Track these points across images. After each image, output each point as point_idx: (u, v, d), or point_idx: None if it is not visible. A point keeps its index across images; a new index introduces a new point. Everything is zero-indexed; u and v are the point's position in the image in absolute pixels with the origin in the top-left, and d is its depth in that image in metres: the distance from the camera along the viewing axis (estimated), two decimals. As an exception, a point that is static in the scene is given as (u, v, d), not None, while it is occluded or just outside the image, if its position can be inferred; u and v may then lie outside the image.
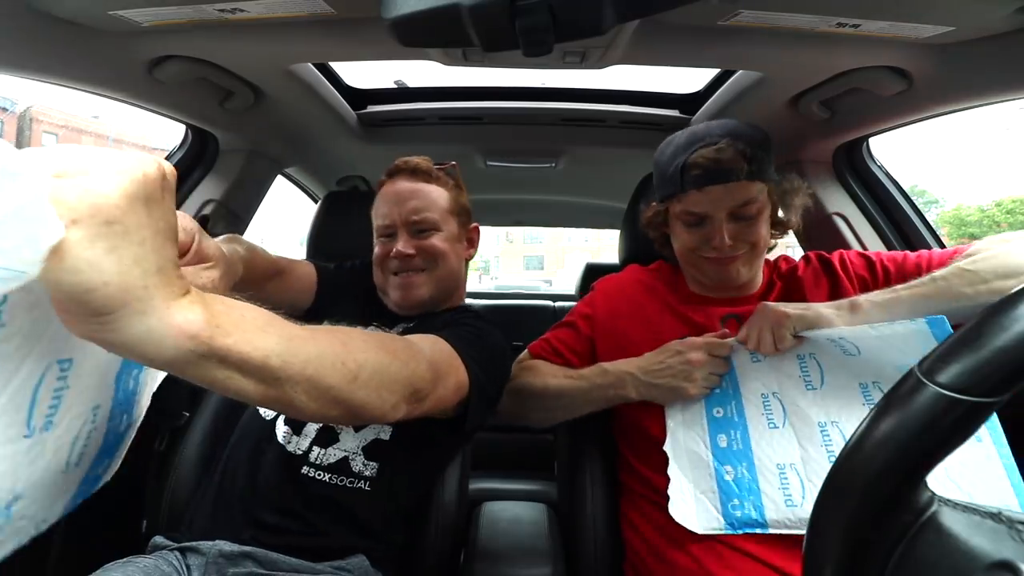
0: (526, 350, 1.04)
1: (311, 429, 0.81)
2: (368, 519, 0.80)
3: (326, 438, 0.80)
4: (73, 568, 0.64)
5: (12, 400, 0.36)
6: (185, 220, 0.56)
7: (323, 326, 0.47)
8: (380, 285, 0.96)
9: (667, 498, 0.81)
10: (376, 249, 0.95)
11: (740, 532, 0.75)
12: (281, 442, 0.81)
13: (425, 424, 0.69)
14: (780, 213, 0.90)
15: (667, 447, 0.82)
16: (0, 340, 0.35)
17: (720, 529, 0.76)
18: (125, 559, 0.71)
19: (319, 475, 0.79)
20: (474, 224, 1.04)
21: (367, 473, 0.79)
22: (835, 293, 0.88)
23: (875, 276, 0.88)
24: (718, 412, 0.81)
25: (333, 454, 0.79)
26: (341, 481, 0.79)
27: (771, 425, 0.78)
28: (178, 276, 0.33)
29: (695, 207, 0.87)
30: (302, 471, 0.79)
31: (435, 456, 0.90)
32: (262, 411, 0.87)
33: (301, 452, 0.80)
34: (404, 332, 0.84)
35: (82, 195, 0.29)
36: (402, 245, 0.90)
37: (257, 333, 0.38)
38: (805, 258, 0.96)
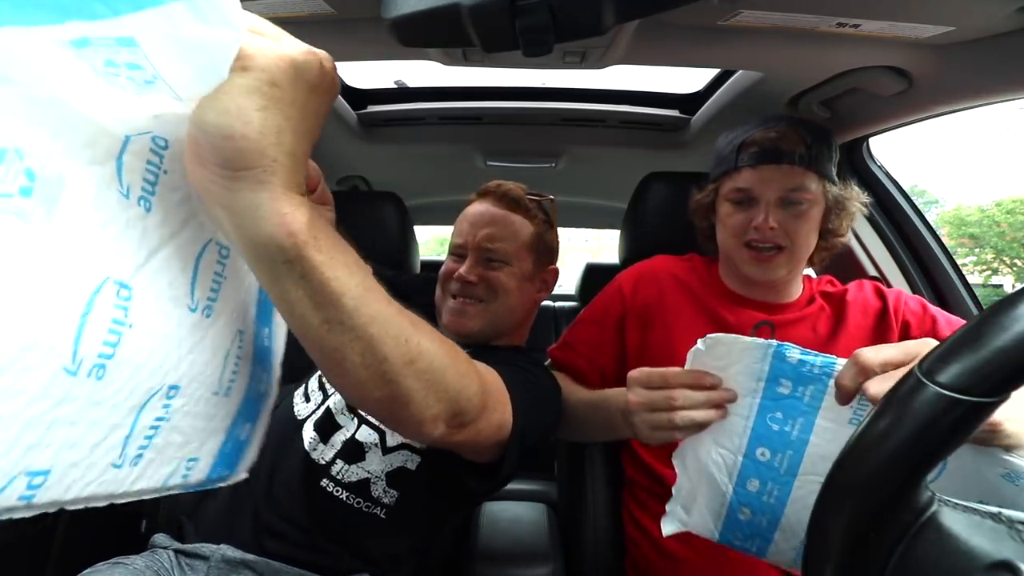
0: (549, 359, 0.99)
1: (338, 440, 0.78)
2: (375, 548, 0.77)
3: (352, 453, 0.76)
4: (73, 567, 0.64)
5: (178, 253, 0.36)
6: (313, 166, 0.52)
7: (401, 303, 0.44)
8: (438, 304, 0.93)
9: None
10: (444, 266, 0.93)
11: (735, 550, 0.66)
12: (307, 448, 0.78)
13: (455, 461, 0.66)
14: (831, 221, 0.87)
15: (676, 455, 0.67)
16: (166, 187, 0.34)
17: (710, 537, 0.67)
18: (115, 559, 0.69)
19: (337, 492, 0.76)
20: (554, 267, 0.99)
21: (386, 500, 0.76)
22: (880, 331, 0.86)
23: (924, 331, 0.85)
24: (763, 455, 0.62)
25: (356, 472, 0.76)
26: (358, 503, 0.76)
27: None
28: (302, 174, 0.35)
29: (745, 184, 0.85)
30: (321, 483, 0.76)
31: (457, 500, 0.82)
32: (296, 407, 0.85)
33: (324, 462, 0.77)
34: None
35: (264, 51, 0.31)
36: (466, 270, 0.87)
37: (343, 268, 0.37)
38: (859, 284, 0.93)
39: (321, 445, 0.78)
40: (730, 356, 0.60)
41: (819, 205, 0.85)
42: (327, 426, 0.79)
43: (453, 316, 0.88)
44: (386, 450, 0.76)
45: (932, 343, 0.44)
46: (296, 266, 0.35)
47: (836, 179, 0.86)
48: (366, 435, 0.77)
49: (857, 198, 0.88)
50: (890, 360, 0.48)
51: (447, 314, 0.89)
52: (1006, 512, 0.30)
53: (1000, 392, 0.29)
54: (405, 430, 0.50)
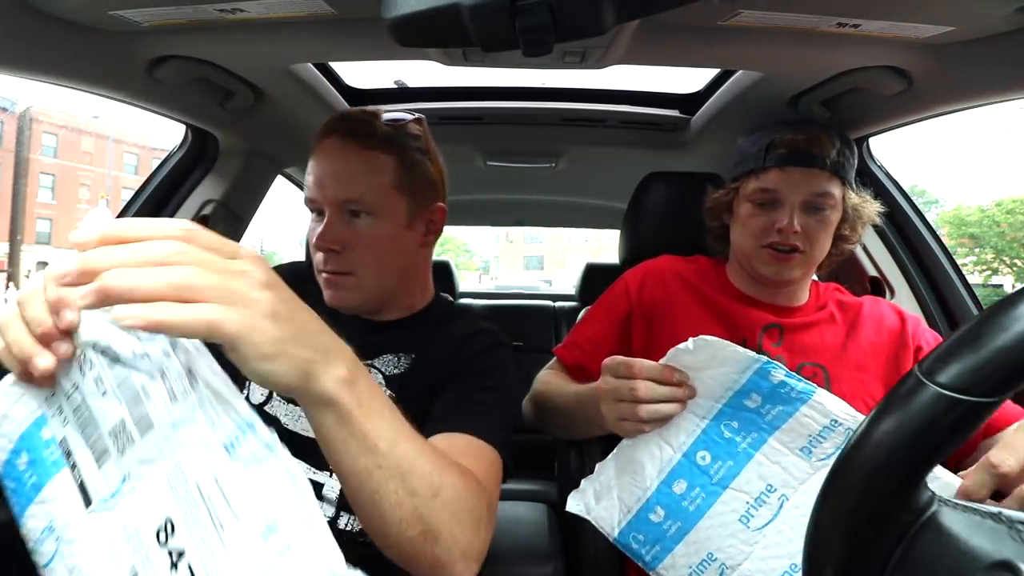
0: (555, 358, 0.98)
1: (332, 494, 0.72)
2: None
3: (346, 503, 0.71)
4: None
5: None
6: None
7: (424, 438, 0.51)
8: (317, 274, 0.78)
9: None
10: (308, 229, 0.79)
11: (623, 550, 0.66)
12: None
13: None
14: (845, 228, 0.87)
15: (620, 445, 0.67)
16: None
17: (607, 535, 0.66)
18: None
19: (355, 540, 0.71)
20: (440, 204, 0.82)
21: None
22: (896, 352, 0.85)
23: None
24: (703, 458, 0.62)
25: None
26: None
27: (743, 519, 0.61)
28: (326, 343, 0.43)
29: (771, 184, 0.84)
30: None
31: None
32: None
33: (327, 519, 0.72)
34: (392, 363, 0.77)
35: (241, 325, 0.37)
36: (324, 233, 0.73)
37: (377, 416, 0.44)
38: (875, 300, 0.92)
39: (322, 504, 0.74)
40: (712, 361, 0.60)
41: (838, 211, 0.85)
42: (312, 484, 0.73)
43: (330, 293, 0.76)
44: None
45: None
46: (345, 423, 0.43)
47: (856, 187, 0.87)
48: None
49: (872, 208, 0.88)
50: None
51: (324, 288, 0.77)
52: (1006, 512, 0.30)
53: (1000, 392, 0.29)
54: (434, 574, 0.51)
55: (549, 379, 0.94)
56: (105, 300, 0.34)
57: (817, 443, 0.58)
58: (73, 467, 0.40)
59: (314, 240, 0.74)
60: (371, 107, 0.81)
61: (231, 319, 0.36)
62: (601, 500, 0.66)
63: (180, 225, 0.37)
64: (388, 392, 0.75)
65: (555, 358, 0.98)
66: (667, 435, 0.63)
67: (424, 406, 0.71)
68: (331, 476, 0.73)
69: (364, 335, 0.79)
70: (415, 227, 0.79)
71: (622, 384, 0.63)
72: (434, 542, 0.49)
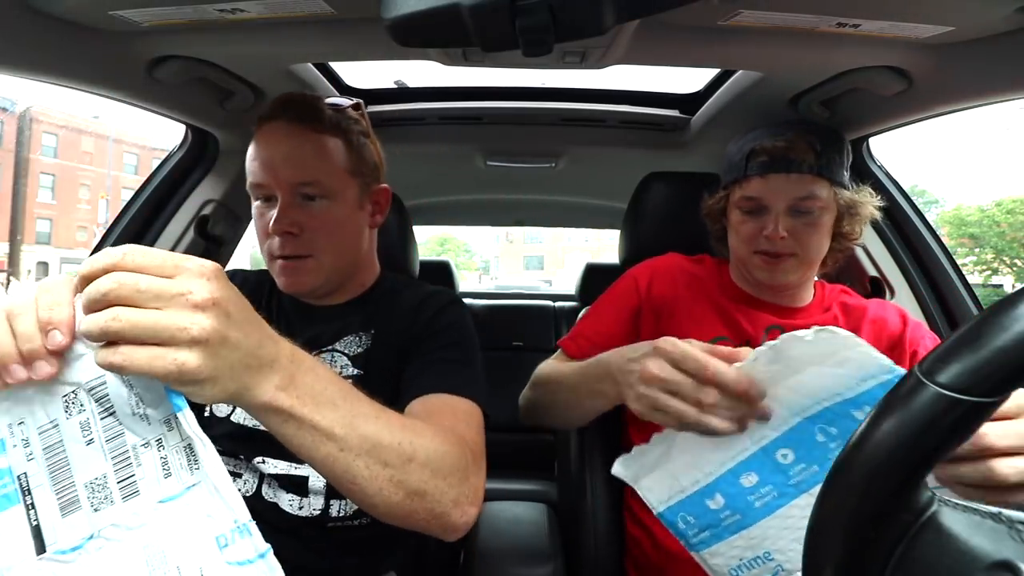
0: (559, 350, 0.97)
1: (318, 485, 0.73)
2: (398, 536, 0.76)
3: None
4: None
5: None
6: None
7: (390, 410, 0.53)
8: (267, 265, 0.79)
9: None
10: (254, 219, 0.78)
11: (666, 526, 0.61)
12: (286, 509, 0.73)
13: None
14: (844, 225, 0.86)
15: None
16: None
17: (652, 508, 0.61)
18: None
19: (350, 523, 0.74)
20: (384, 186, 0.85)
21: None
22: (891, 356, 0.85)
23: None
24: (784, 456, 0.55)
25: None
26: (370, 518, 0.75)
27: None
28: (264, 357, 0.42)
29: (754, 193, 0.85)
30: (329, 527, 0.74)
31: None
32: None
33: (318, 512, 0.73)
34: (352, 352, 0.78)
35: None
36: (280, 218, 0.73)
37: (326, 406, 0.45)
38: (882, 303, 0.92)
39: (305, 499, 0.74)
40: (829, 357, 0.51)
41: (831, 211, 0.85)
42: (296, 481, 0.74)
43: (287, 278, 0.77)
44: None
45: None
46: (292, 421, 0.44)
47: (848, 184, 0.86)
48: None
49: (871, 201, 0.87)
50: None
51: (279, 276, 0.77)
52: (1006, 512, 0.30)
53: (1000, 392, 0.29)
54: (435, 524, 0.54)
55: (551, 364, 0.93)
56: (54, 352, 0.37)
57: None
58: (30, 507, 0.38)
59: (271, 225, 0.73)
60: (310, 94, 0.81)
61: (158, 363, 0.36)
62: (653, 472, 0.60)
63: (114, 254, 0.37)
64: (355, 371, 0.77)
65: (559, 351, 0.97)
66: (751, 425, 0.55)
67: (394, 377, 0.74)
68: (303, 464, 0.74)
69: (321, 322, 0.81)
70: (364, 208, 0.82)
71: (685, 383, 0.55)
72: (421, 500, 0.52)
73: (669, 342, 0.58)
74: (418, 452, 0.51)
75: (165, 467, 0.38)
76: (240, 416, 0.76)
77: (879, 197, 0.89)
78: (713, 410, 0.53)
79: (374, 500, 0.50)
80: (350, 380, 0.75)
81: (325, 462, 0.46)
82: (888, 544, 0.31)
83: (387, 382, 0.74)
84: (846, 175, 0.86)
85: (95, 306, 0.36)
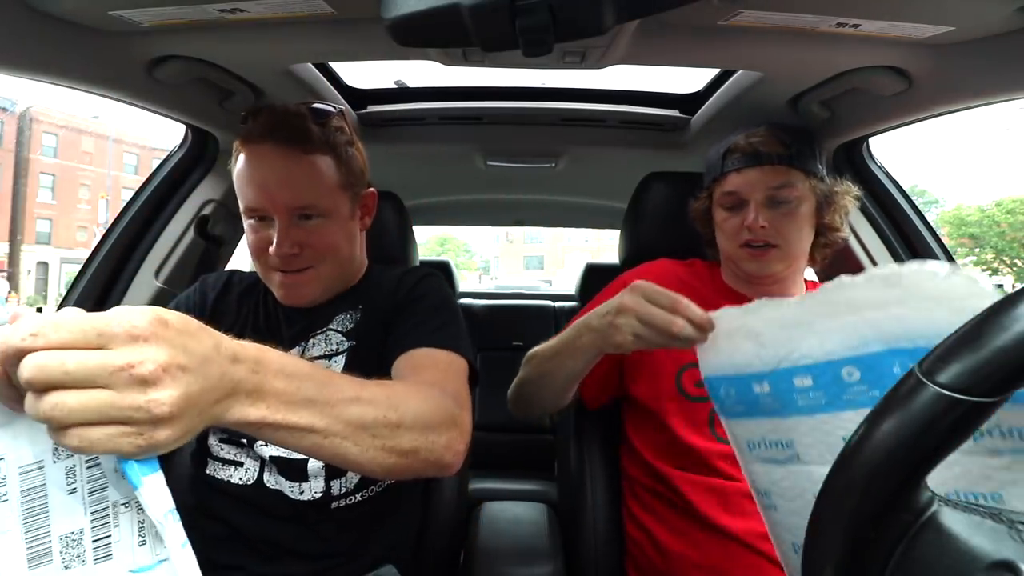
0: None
1: (316, 467, 0.75)
2: (404, 514, 0.82)
3: (337, 468, 0.73)
4: None
5: None
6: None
7: (372, 382, 0.54)
8: (262, 276, 0.83)
9: (676, 491, 0.82)
10: (247, 233, 0.80)
11: (706, 388, 0.64)
12: (288, 494, 0.75)
13: None
14: (824, 216, 0.90)
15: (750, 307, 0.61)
16: None
17: (700, 368, 0.64)
18: None
19: (352, 499, 0.77)
20: (371, 191, 0.88)
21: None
22: None
23: None
24: (849, 374, 0.53)
25: (351, 475, 0.77)
26: (372, 492, 0.79)
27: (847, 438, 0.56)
28: (226, 379, 0.40)
29: (732, 187, 0.90)
30: (332, 507, 0.76)
31: None
32: (227, 479, 0.78)
33: (320, 495, 0.76)
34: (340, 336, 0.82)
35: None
36: (281, 242, 0.75)
37: (302, 406, 0.45)
38: None
39: (305, 484, 0.76)
40: (940, 299, 0.48)
41: (808, 202, 0.89)
42: (295, 466, 0.76)
43: (287, 291, 0.80)
44: None
45: None
46: (267, 427, 0.44)
47: (824, 175, 0.90)
48: None
49: (848, 192, 0.91)
50: None
51: (279, 289, 0.81)
52: (1006, 512, 0.30)
53: (1000, 392, 0.29)
54: (431, 469, 0.57)
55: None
56: None
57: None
58: None
59: (274, 249, 0.76)
60: (291, 105, 0.81)
61: (123, 441, 0.32)
62: (716, 342, 0.63)
63: (21, 335, 0.32)
64: (349, 343, 0.82)
65: None
66: (820, 333, 0.55)
67: (382, 344, 0.78)
68: None
69: (315, 314, 0.85)
70: (355, 216, 0.86)
71: (658, 314, 0.64)
72: (415, 456, 0.54)
73: (647, 284, 0.68)
74: (404, 417, 0.53)
75: (141, 533, 0.35)
76: None
77: (857, 187, 0.93)
78: (675, 339, 0.63)
79: (370, 467, 0.52)
80: (344, 353, 0.81)
81: (312, 451, 0.47)
82: (888, 544, 0.31)
83: (375, 350, 0.79)
84: (820, 168, 0.91)
85: (30, 388, 0.32)
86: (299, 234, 0.76)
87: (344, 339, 0.83)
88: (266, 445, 0.77)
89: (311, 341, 0.82)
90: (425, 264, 1.46)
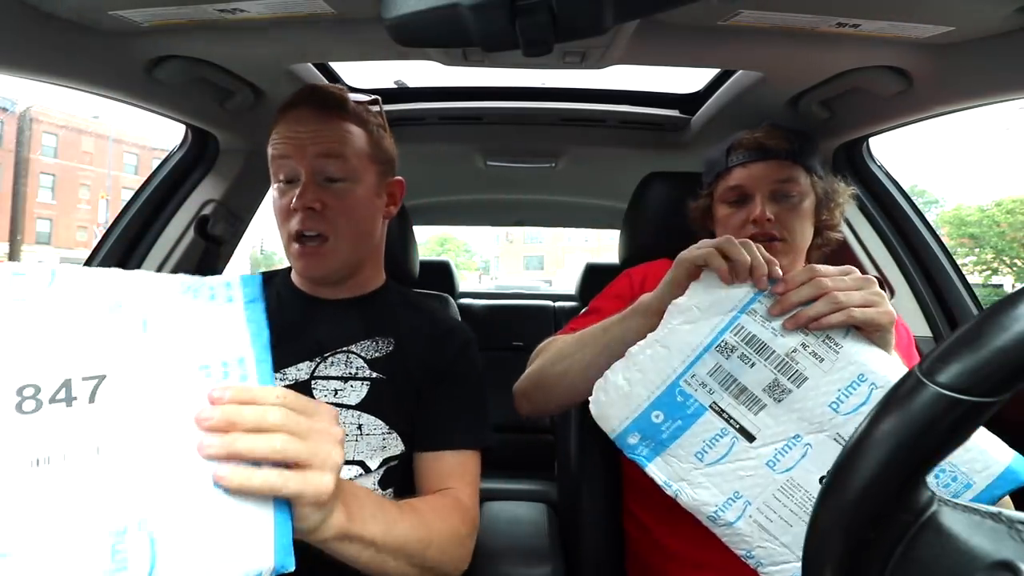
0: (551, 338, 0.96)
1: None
2: None
3: None
4: None
5: None
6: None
7: (406, 503, 0.63)
8: (285, 248, 0.80)
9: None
10: (275, 199, 0.80)
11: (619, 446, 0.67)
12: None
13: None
14: (823, 214, 0.91)
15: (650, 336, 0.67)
16: None
17: (608, 432, 0.67)
18: None
19: None
20: (399, 179, 0.87)
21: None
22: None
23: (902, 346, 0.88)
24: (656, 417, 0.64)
25: None
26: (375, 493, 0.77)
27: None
28: (330, 501, 0.47)
29: (737, 181, 0.90)
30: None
31: None
32: None
33: None
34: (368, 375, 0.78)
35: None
36: (304, 192, 0.75)
37: (370, 520, 0.53)
38: None
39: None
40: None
41: (810, 197, 0.90)
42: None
43: (304, 262, 0.78)
44: (368, 468, 0.75)
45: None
46: (344, 538, 0.51)
47: (823, 174, 0.92)
48: (346, 474, 0.73)
49: (845, 191, 0.93)
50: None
51: (297, 260, 0.79)
52: (1006, 512, 0.30)
53: (1000, 392, 0.29)
54: None
55: (549, 342, 0.92)
56: (230, 457, 0.40)
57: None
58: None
59: (295, 201, 0.75)
60: (330, 84, 0.84)
61: (314, 483, 0.42)
62: (615, 395, 0.68)
63: (280, 392, 0.43)
64: (374, 374, 0.79)
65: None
66: (677, 345, 0.66)
67: (412, 393, 0.78)
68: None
69: (329, 320, 0.82)
70: (381, 196, 0.84)
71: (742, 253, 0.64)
72: (432, 572, 0.62)
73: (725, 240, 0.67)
74: (433, 540, 0.62)
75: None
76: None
77: (853, 188, 0.94)
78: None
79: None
80: (366, 381, 0.78)
81: (365, 563, 0.54)
82: (888, 544, 0.31)
83: (409, 389, 0.78)
84: (819, 167, 0.92)
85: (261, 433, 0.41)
86: (322, 193, 0.76)
87: (367, 367, 0.79)
88: None
89: (329, 359, 0.78)
90: (427, 265, 1.46)
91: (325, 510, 0.46)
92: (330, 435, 0.45)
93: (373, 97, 0.85)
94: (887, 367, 0.60)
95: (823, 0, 0.72)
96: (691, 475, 0.65)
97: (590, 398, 0.68)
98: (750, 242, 0.65)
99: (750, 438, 0.63)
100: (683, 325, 0.66)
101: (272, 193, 0.81)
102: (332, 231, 0.77)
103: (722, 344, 0.64)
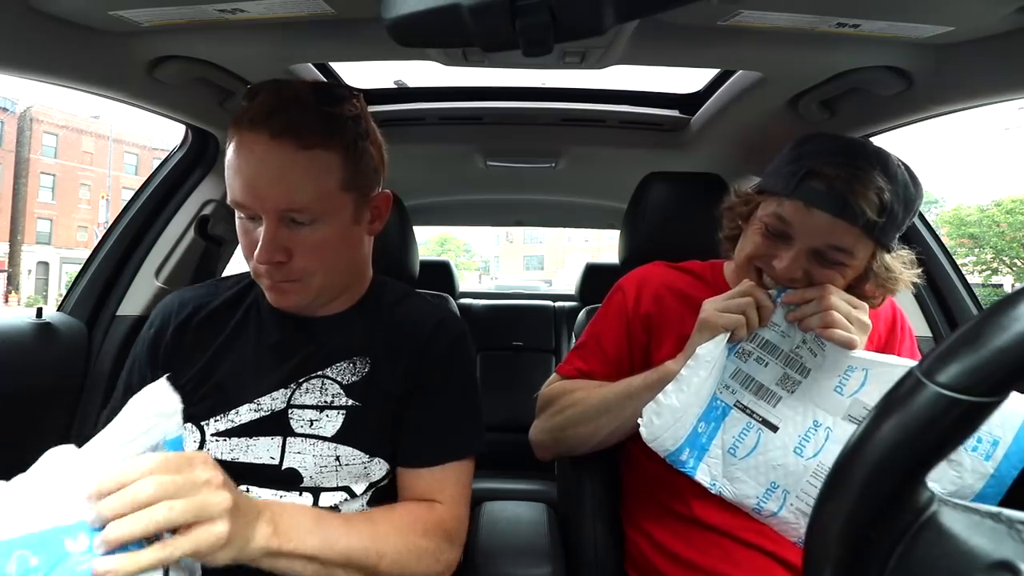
0: (555, 375, 0.95)
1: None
2: None
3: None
4: None
5: None
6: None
7: (360, 515, 0.66)
8: (253, 276, 0.72)
9: (674, 491, 0.81)
10: (238, 229, 0.69)
11: (671, 462, 0.74)
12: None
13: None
14: (864, 285, 0.77)
15: (685, 372, 0.71)
16: None
17: (662, 452, 0.74)
18: None
19: (353, 507, 0.73)
20: (384, 192, 0.76)
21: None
22: (891, 341, 0.88)
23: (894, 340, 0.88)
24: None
25: None
26: (372, 493, 0.74)
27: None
28: (253, 522, 0.53)
29: (789, 217, 0.73)
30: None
31: None
32: None
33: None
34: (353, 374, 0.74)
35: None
36: (266, 246, 0.65)
37: (307, 535, 0.56)
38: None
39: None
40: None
41: (855, 270, 0.75)
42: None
43: (275, 295, 0.71)
44: (355, 495, 0.73)
45: None
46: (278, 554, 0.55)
47: (893, 247, 0.75)
48: (331, 500, 0.72)
49: (904, 277, 0.76)
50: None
51: (268, 292, 0.71)
52: (1006, 512, 0.30)
53: (1000, 392, 0.29)
54: None
55: (572, 387, 0.90)
56: (117, 545, 0.42)
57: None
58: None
59: (257, 253, 0.66)
60: (300, 85, 0.69)
61: (203, 537, 0.46)
62: (667, 420, 0.73)
63: (147, 463, 0.45)
64: (349, 401, 0.73)
65: (558, 376, 0.95)
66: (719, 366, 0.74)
67: (396, 403, 0.74)
68: (299, 495, 0.72)
69: (308, 341, 0.75)
70: (362, 220, 0.74)
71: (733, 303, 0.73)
72: None
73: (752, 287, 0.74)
74: (386, 552, 0.62)
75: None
76: (221, 449, 0.72)
77: (918, 272, 0.78)
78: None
79: None
80: (341, 410, 0.72)
81: None
82: (888, 544, 0.31)
83: (386, 413, 0.73)
84: (895, 241, 0.75)
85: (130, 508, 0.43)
86: (288, 239, 0.66)
87: (343, 393, 0.73)
88: (248, 491, 0.70)
89: (304, 386, 0.73)
90: (427, 265, 1.45)
91: (235, 543, 0.49)
92: (208, 484, 0.47)
93: (355, 92, 0.73)
94: (867, 354, 0.71)
95: (823, 0, 0.72)
96: (729, 471, 0.73)
97: (640, 421, 0.73)
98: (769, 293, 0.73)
99: (773, 428, 0.73)
100: (713, 347, 0.73)
101: (236, 222, 0.70)
102: (303, 272, 0.68)
103: (740, 350, 0.75)
